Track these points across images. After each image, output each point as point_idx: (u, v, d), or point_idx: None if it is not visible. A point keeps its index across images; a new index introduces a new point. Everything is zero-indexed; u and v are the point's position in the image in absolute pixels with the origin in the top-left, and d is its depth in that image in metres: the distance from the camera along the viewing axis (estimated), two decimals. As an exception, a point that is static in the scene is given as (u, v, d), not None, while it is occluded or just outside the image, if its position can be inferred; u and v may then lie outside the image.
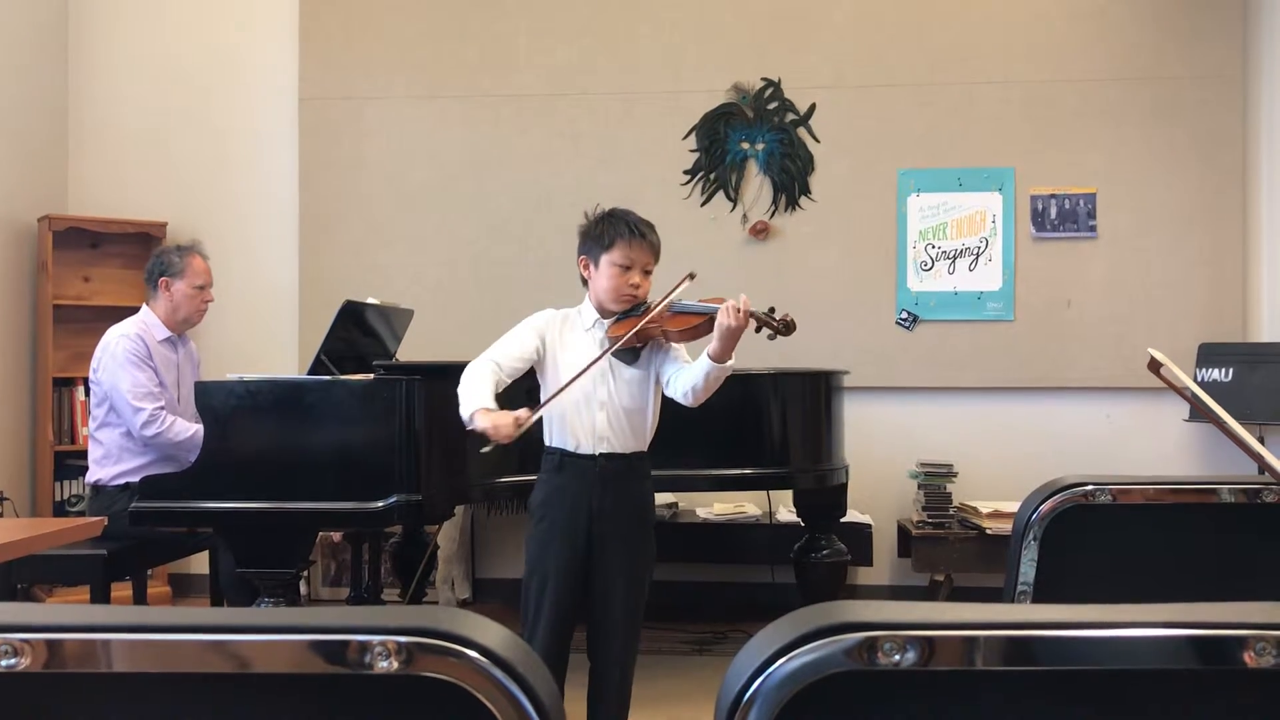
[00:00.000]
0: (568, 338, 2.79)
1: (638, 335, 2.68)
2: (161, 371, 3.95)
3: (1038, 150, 5.13)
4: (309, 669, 0.76)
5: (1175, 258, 5.05)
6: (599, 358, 2.67)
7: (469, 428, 2.63)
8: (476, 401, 2.61)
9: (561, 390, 2.67)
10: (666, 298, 2.70)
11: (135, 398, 3.81)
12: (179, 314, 4.03)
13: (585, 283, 2.83)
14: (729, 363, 2.63)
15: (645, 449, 2.81)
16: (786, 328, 2.66)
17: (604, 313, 2.78)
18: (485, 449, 2.59)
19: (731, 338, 2.59)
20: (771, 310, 2.68)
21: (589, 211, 2.86)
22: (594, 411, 2.72)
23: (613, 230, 2.74)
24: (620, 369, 2.74)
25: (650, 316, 2.67)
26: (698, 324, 2.65)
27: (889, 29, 5.20)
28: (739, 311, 2.57)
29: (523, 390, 2.86)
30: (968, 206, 5.16)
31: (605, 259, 2.75)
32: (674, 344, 2.76)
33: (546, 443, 2.80)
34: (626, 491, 2.77)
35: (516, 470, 3.42)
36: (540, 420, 2.74)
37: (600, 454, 2.73)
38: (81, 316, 5.19)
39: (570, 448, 2.75)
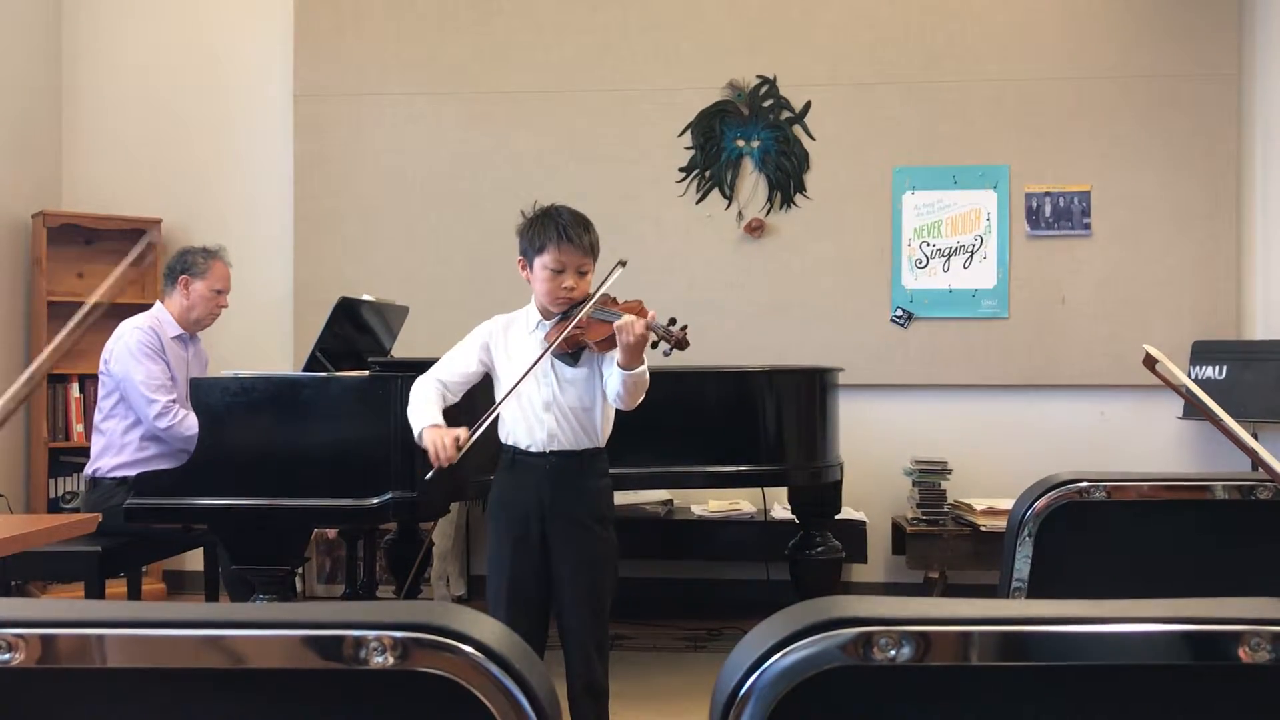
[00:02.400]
0: (512, 342, 2.81)
1: (566, 342, 2.69)
2: (172, 366, 3.98)
3: (1032, 148, 5.14)
4: (304, 664, 0.76)
5: (1169, 256, 5.06)
6: (533, 365, 2.68)
7: (419, 444, 2.70)
8: (424, 419, 2.71)
9: (499, 404, 2.72)
10: (591, 300, 2.70)
11: (149, 389, 3.83)
12: (192, 314, 4.06)
13: (528, 281, 2.83)
14: (640, 369, 2.65)
15: (599, 445, 2.82)
16: (679, 344, 2.64)
17: (545, 314, 2.79)
18: (429, 475, 2.67)
19: (631, 350, 2.60)
20: (672, 322, 2.66)
21: (525, 210, 2.84)
22: (540, 412, 2.74)
23: (543, 234, 2.73)
24: (562, 370, 2.76)
25: (574, 323, 2.68)
26: (612, 333, 2.65)
27: (884, 26, 5.20)
28: (634, 326, 2.57)
29: (480, 396, 2.87)
30: (963, 204, 5.16)
31: (538, 262, 2.74)
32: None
33: (502, 440, 2.82)
34: (578, 488, 2.78)
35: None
36: (488, 428, 2.76)
37: (550, 452, 2.75)
38: (75, 313, 5.17)
39: (522, 446, 2.77)
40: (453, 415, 2.81)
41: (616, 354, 2.66)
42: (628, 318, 2.59)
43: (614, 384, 2.69)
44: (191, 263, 4.07)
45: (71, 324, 1.91)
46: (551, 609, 2.82)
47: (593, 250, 2.78)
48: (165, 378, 3.90)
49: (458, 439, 2.62)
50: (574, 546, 2.76)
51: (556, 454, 2.75)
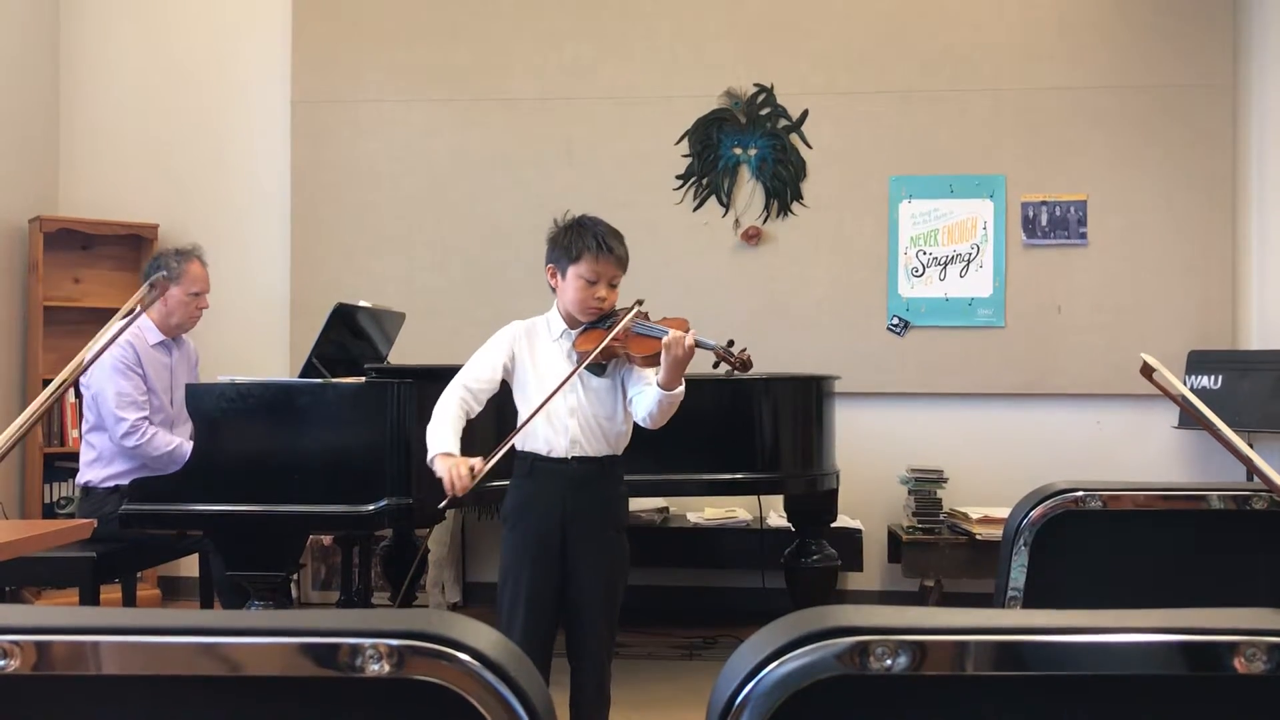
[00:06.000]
0: (537, 349, 2.81)
1: (602, 354, 2.70)
2: (152, 377, 3.92)
3: (1029, 157, 5.15)
4: (300, 672, 0.76)
5: (1165, 265, 5.07)
6: (566, 379, 2.67)
7: (431, 468, 2.67)
8: (439, 445, 2.66)
9: (516, 430, 2.70)
10: (622, 322, 2.70)
11: (118, 406, 3.78)
12: (172, 319, 4.01)
13: (553, 289, 2.84)
14: (679, 389, 2.67)
15: (618, 453, 2.82)
16: (743, 365, 2.67)
17: (571, 322, 2.80)
18: (442, 505, 2.64)
19: (677, 368, 2.62)
20: (730, 344, 2.69)
21: (558, 219, 2.85)
22: (564, 418, 2.73)
23: (579, 243, 2.73)
24: (588, 378, 2.76)
25: (613, 335, 2.68)
26: (659, 350, 2.66)
27: (881, 35, 5.21)
28: (683, 345, 2.59)
29: (498, 405, 2.86)
30: (959, 213, 5.17)
31: (572, 271, 2.75)
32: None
33: (518, 448, 2.81)
34: (598, 495, 2.78)
35: (507, 474, 3.42)
36: (503, 458, 2.75)
37: (572, 458, 2.74)
38: (72, 318, 5.18)
39: (543, 452, 2.76)
40: (478, 422, 2.79)
41: (653, 373, 2.68)
42: (676, 333, 2.61)
43: (647, 403, 2.69)
44: (165, 267, 3.98)
45: (51, 394, 1.87)
46: (562, 616, 2.81)
47: (625, 262, 2.79)
48: (138, 394, 3.84)
49: (473, 469, 2.59)
50: (595, 554, 2.75)
51: (578, 460, 2.74)
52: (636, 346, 2.70)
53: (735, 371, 2.69)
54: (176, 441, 3.83)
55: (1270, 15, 4.95)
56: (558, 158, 5.30)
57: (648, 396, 2.69)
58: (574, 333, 2.78)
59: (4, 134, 5.18)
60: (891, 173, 5.20)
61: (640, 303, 2.76)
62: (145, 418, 3.82)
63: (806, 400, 4.01)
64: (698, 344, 2.63)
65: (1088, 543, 1.76)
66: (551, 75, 5.32)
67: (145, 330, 3.97)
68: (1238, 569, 1.77)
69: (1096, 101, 5.12)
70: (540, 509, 2.76)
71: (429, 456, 2.66)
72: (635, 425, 2.84)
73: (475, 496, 3.63)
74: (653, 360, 2.68)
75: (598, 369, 2.75)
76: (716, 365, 2.71)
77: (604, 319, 2.77)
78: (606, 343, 2.67)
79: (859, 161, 5.21)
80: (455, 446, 2.66)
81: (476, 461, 2.60)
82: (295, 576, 4.48)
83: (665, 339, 2.61)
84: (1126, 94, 5.10)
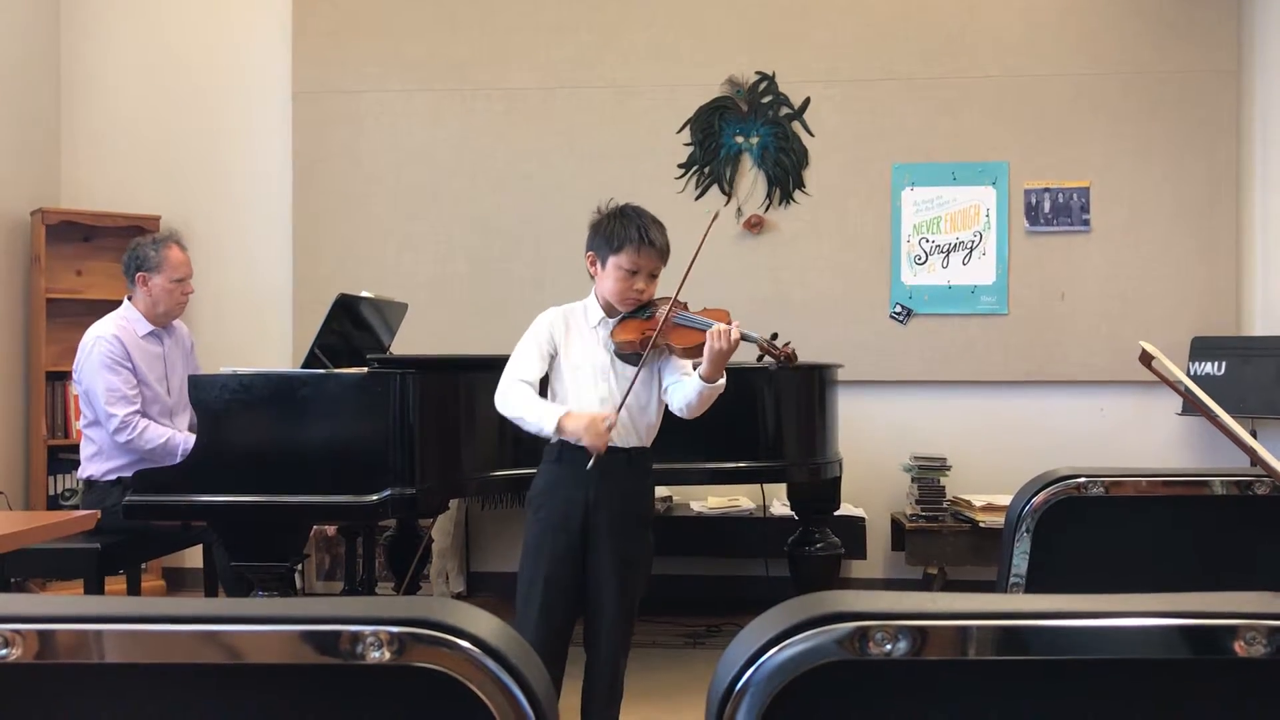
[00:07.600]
0: (573, 335, 2.81)
1: (643, 344, 2.70)
2: (144, 369, 3.91)
3: (1032, 144, 5.13)
4: (301, 659, 0.76)
5: (1169, 251, 5.06)
6: (638, 368, 2.69)
7: (556, 437, 2.68)
8: (553, 411, 2.67)
9: (636, 376, 2.70)
10: (671, 303, 2.71)
11: (108, 402, 3.78)
12: (159, 308, 3.98)
13: (592, 276, 2.84)
14: (720, 381, 2.68)
15: (647, 445, 2.82)
16: (789, 359, 2.67)
17: (609, 311, 2.80)
18: (590, 465, 2.64)
19: (720, 360, 2.63)
20: (774, 337, 2.69)
21: (601, 206, 2.84)
22: (595, 407, 2.73)
23: (622, 234, 2.73)
24: (622, 368, 2.75)
25: (659, 329, 2.69)
26: (701, 342, 2.66)
27: (884, 23, 5.20)
28: (729, 335, 2.60)
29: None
30: (962, 200, 5.16)
31: (612, 261, 2.75)
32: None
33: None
34: (623, 486, 2.77)
35: (511, 464, 3.42)
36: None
37: None
38: (74, 310, 5.18)
39: (571, 439, 2.75)
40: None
41: (692, 363, 2.68)
42: (720, 325, 2.61)
43: (686, 393, 2.69)
44: (144, 257, 3.94)
45: None
46: (581, 606, 2.81)
47: (666, 253, 2.79)
48: (128, 388, 3.82)
49: (608, 420, 2.63)
50: (615, 544, 2.75)
51: (606, 449, 2.74)
52: (677, 338, 2.69)
53: (779, 365, 2.68)
54: (169, 433, 3.83)
55: (1274, 0, 4.93)
56: (559, 147, 5.29)
57: (687, 387, 2.70)
58: (611, 321, 2.78)
59: (6, 126, 5.18)
60: (894, 160, 5.19)
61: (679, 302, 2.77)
62: (136, 411, 3.81)
63: (809, 388, 4.01)
64: (742, 336, 2.63)
65: (1090, 529, 1.76)
66: (552, 65, 5.31)
67: (133, 322, 3.95)
68: (1239, 554, 1.77)
69: (1099, 87, 5.10)
70: (564, 493, 2.75)
71: (551, 423, 2.65)
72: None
73: (477, 486, 3.65)
74: (693, 351, 2.68)
75: (634, 358, 2.74)
76: (760, 359, 2.71)
77: (642, 309, 2.77)
78: (653, 335, 2.68)
79: (861, 149, 5.20)
80: (566, 408, 2.68)
81: (609, 414, 2.64)
82: (299, 567, 4.48)
83: (711, 330, 2.61)
84: (1129, 80, 5.09)
